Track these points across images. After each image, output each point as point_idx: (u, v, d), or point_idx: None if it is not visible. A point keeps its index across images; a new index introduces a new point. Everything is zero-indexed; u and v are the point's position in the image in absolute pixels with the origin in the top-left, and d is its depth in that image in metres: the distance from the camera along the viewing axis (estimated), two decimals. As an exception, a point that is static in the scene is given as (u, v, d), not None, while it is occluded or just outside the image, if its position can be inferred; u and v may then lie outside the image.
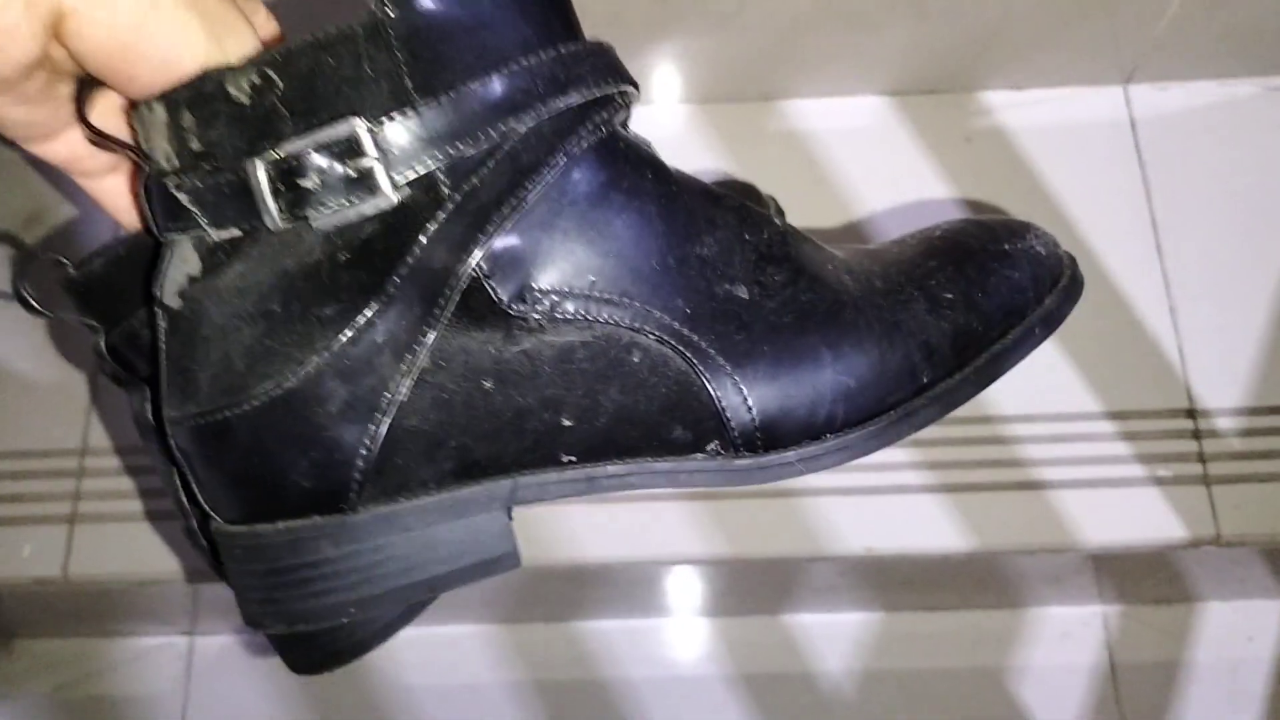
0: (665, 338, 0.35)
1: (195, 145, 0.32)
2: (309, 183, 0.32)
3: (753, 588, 0.64)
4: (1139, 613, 0.68)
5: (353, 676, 0.69)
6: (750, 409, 0.36)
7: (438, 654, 0.69)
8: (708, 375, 0.36)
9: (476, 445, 0.35)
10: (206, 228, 0.33)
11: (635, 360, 0.35)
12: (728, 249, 0.37)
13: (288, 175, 0.32)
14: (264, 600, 0.36)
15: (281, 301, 0.33)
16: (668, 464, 0.37)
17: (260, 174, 0.32)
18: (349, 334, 0.33)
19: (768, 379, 0.36)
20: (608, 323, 0.35)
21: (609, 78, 0.34)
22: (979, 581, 0.62)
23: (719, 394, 0.36)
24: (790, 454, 0.37)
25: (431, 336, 0.33)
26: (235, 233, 0.33)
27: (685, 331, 0.36)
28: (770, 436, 0.37)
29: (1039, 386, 0.56)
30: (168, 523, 0.55)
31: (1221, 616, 0.67)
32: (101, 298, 0.37)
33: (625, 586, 0.62)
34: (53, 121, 0.34)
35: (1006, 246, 0.41)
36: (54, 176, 0.63)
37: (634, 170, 0.35)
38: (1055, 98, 0.62)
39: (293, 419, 0.33)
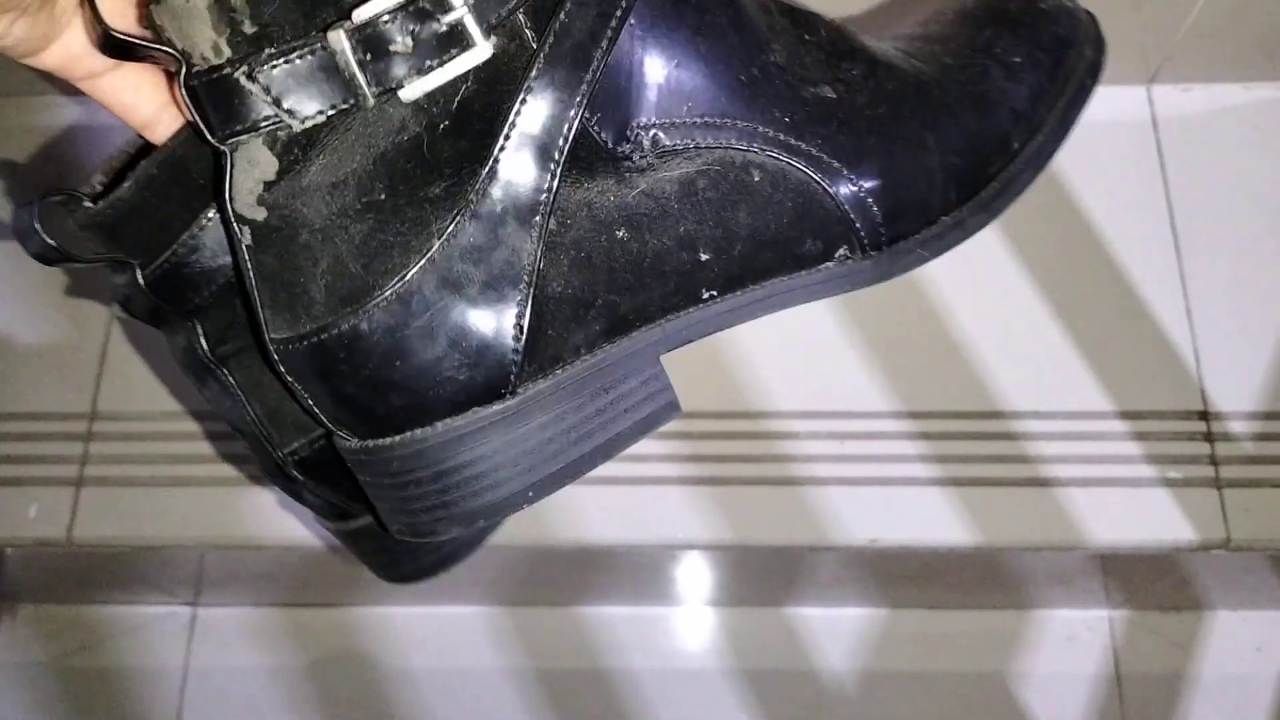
0: (776, 152, 0.35)
1: (249, 28, 0.29)
2: (399, 46, 0.29)
3: (757, 577, 0.64)
4: (1146, 619, 0.67)
5: (352, 653, 0.69)
6: (871, 206, 0.37)
7: (438, 635, 0.69)
8: (826, 181, 0.36)
9: (622, 299, 0.34)
10: (288, 119, 0.30)
11: (756, 179, 0.35)
12: (795, 52, 0.36)
13: (374, 42, 0.29)
14: (434, 507, 0.33)
15: (387, 188, 0.31)
16: (802, 278, 0.37)
17: (345, 45, 0.29)
18: (465, 209, 0.31)
19: (881, 173, 0.37)
20: (715, 146, 0.34)
21: None
22: (984, 579, 0.62)
23: (841, 197, 0.36)
24: (913, 241, 0.38)
25: (552, 194, 0.32)
26: (317, 120, 0.30)
27: (793, 141, 0.35)
28: (893, 229, 0.38)
29: (1051, 383, 0.55)
30: (174, 488, 0.55)
31: (1230, 626, 0.67)
32: (137, 228, 0.33)
33: (628, 570, 0.62)
34: (50, 32, 0.31)
35: (1042, 5, 0.42)
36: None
37: None
38: (1077, 96, 0.61)
39: (432, 312, 0.31)
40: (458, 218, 0.31)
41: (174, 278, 0.34)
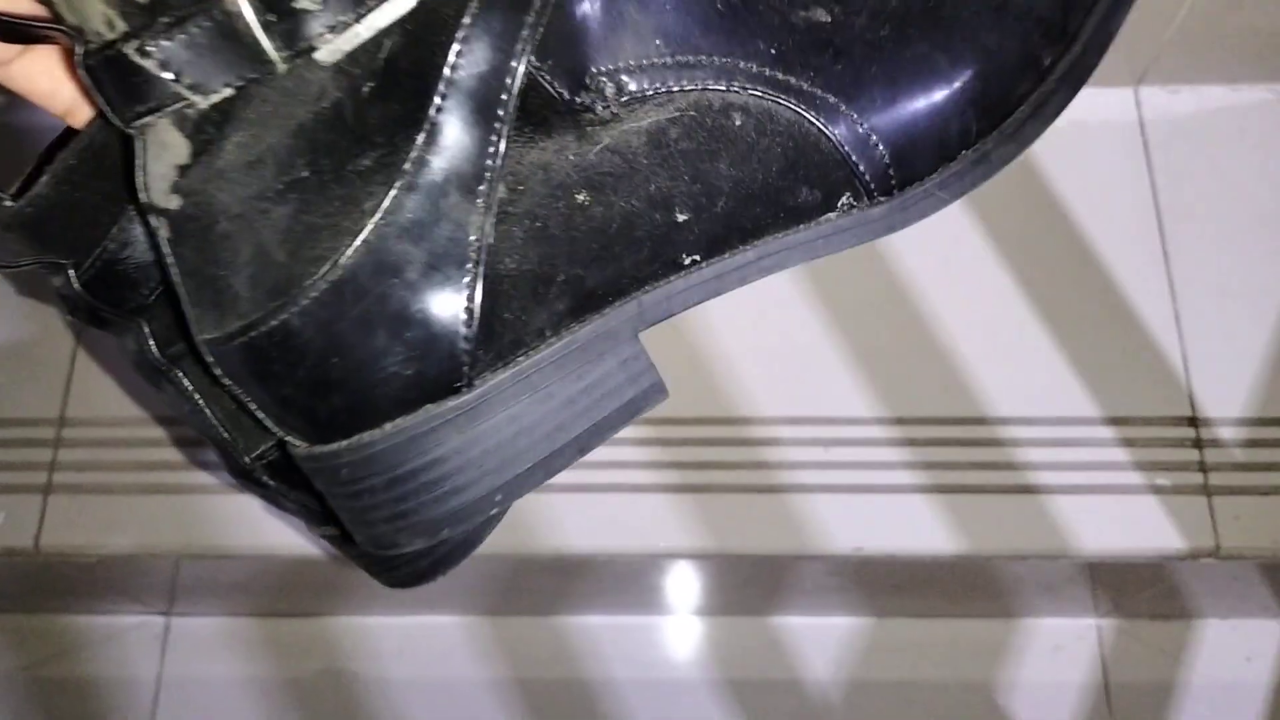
0: (761, 89, 0.31)
1: None
2: (306, 1, 0.26)
3: (741, 586, 0.63)
4: (1135, 628, 0.66)
5: (329, 664, 0.67)
6: (877, 144, 0.32)
7: (417, 644, 0.68)
8: (821, 119, 0.31)
9: (589, 272, 0.30)
10: (191, 95, 0.27)
11: (737, 124, 0.31)
12: None
13: (277, 0, 0.26)
14: (393, 517, 0.30)
15: (309, 163, 0.28)
16: (799, 234, 0.32)
17: (244, 6, 0.26)
18: (400, 181, 0.28)
19: (887, 105, 0.32)
20: (690, 89, 0.30)
21: None
22: (970, 588, 0.61)
23: (839, 137, 0.32)
24: (929, 183, 0.33)
25: (499, 158, 0.28)
26: (226, 94, 0.27)
27: (780, 75, 0.31)
28: (904, 170, 0.33)
29: (1038, 389, 0.54)
30: (146, 496, 0.54)
31: (1219, 635, 0.66)
32: (62, 225, 0.31)
33: (610, 580, 0.61)
34: None
35: None
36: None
37: None
38: (1064, 98, 0.61)
39: (368, 301, 0.28)
40: (393, 192, 0.28)
41: (108, 276, 0.32)
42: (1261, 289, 0.56)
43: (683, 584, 0.63)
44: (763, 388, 0.55)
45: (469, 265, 0.29)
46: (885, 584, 0.61)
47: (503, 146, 0.28)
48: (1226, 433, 0.54)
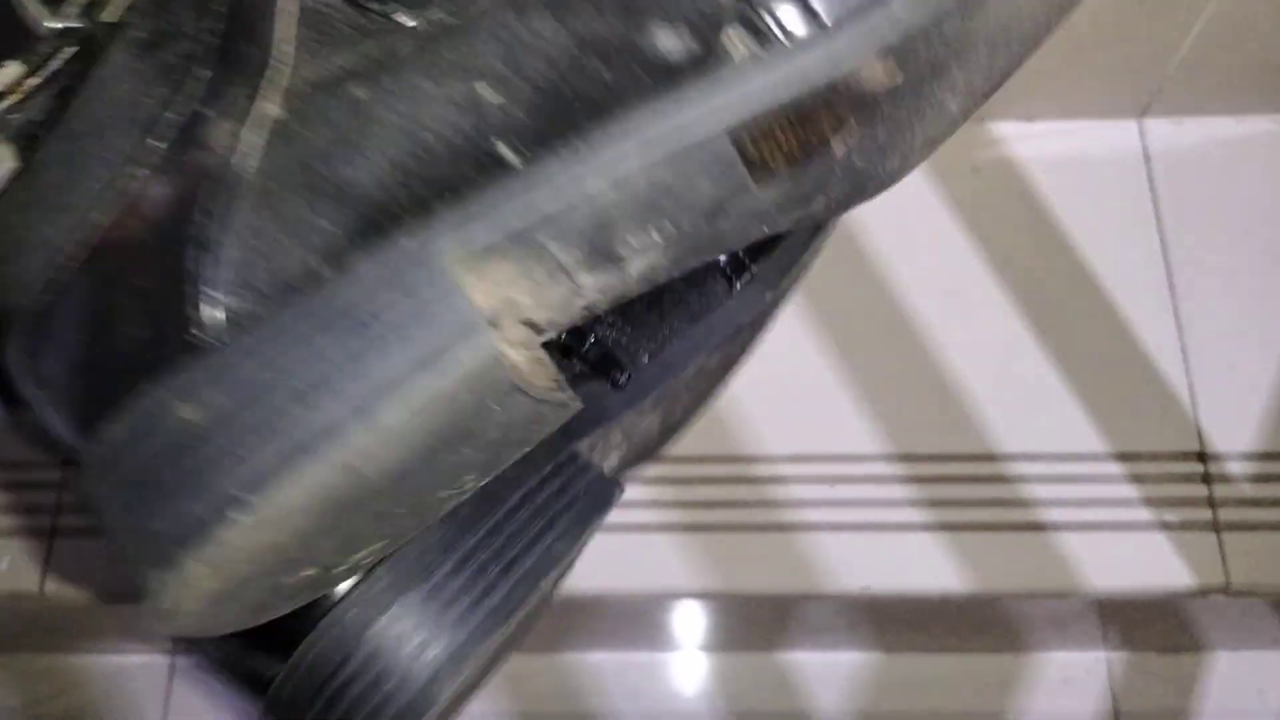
0: None
1: None
2: None
3: (746, 624, 0.63)
4: (1144, 660, 0.66)
5: (335, 702, 0.67)
6: None
7: (423, 681, 0.67)
8: None
9: (363, 175, 0.23)
10: None
11: None
12: None
13: None
14: (134, 537, 0.23)
15: (94, 134, 0.25)
16: (689, 109, 0.22)
17: None
18: (162, 124, 0.24)
19: None
20: None
21: None
22: (979, 624, 0.61)
23: None
24: None
25: (275, 75, 0.24)
26: (16, 71, 0.25)
27: None
28: None
29: (1044, 425, 0.54)
30: (148, 539, 0.54)
31: (1230, 667, 0.65)
32: None
33: (613, 619, 0.61)
34: None
35: None
36: None
37: None
38: (1067, 130, 0.60)
39: (115, 251, 0.24)
40: (153, 133, 0.25)
41: None
42: (1270, 322, 0.56)
43: (689, 621, 0.62)
44: (767, 425, 0.55)
45: (217, 186, 0.24)
46: (893, 621, 0.60)
47: (277, 64, 0.24)
48: (1236, 468, 0.53)
